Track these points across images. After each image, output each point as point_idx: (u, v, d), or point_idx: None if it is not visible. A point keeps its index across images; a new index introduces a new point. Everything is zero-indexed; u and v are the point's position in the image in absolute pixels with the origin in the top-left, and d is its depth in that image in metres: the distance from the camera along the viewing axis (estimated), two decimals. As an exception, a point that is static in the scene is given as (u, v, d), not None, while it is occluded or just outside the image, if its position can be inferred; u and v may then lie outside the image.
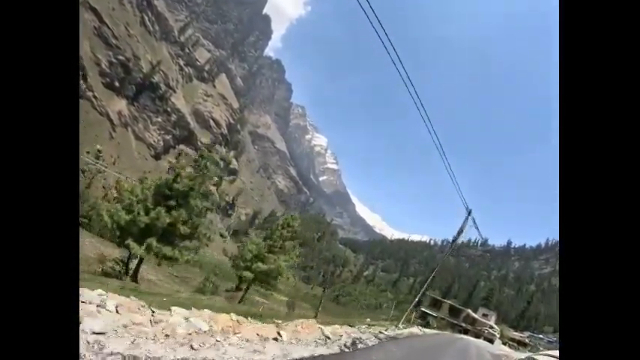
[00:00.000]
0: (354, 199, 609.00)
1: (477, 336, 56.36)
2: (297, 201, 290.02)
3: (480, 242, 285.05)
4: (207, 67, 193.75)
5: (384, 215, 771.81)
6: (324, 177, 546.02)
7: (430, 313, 60.80)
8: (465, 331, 57.73)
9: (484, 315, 71.87)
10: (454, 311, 64.73)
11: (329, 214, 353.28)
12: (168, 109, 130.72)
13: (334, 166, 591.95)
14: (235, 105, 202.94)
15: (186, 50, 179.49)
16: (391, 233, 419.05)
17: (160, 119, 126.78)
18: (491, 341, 54.23)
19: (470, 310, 65.70)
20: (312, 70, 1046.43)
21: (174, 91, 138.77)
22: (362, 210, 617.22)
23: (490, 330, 61.31)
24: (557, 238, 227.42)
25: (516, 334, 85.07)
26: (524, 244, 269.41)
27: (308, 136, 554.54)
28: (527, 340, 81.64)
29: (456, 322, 59.85)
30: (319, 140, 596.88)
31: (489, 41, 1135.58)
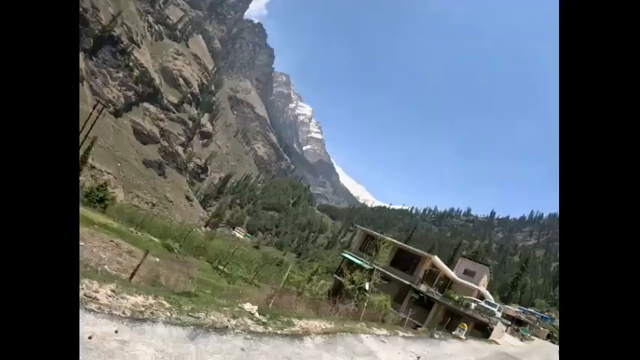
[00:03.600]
0: (339, 170, 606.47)
1: (452, 316, 29.66)
2: (277, 168, 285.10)
3: (462, 212, 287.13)
4: (179, 27, 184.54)
5: (370, 186, 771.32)
6: (308, 146, 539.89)
7: (359, 261, 30.07)
8: (427, 305, 30.91)
9: (467, 273, 41.96)
10: (406, 262, 32.80)
11: (312, 183, 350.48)
12: (131, 64, 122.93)
13: (318, 135, 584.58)
14: (210, 66, 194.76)
15: (157, 7, 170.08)
16: (373, 202, 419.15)
17: (120, 74, 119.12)
18: (486, 331, 29.08)
19: (438, 260, 33.36)
20: (299, 37, 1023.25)
21: (139, 46, 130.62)
22: (346, 180, 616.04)
23: (484, 304, 32.81)
24: (541, 210, 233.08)
25: (510, 309, 66.38)
26: (508, 216, 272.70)
27: (292, 105, 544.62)
28: (523, 317, 66.10)
29: (407, 282, 30.90)
30: (304, 109, 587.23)
31: (479, 12, 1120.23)
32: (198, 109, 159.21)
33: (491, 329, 28.96)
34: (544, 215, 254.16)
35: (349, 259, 32.81)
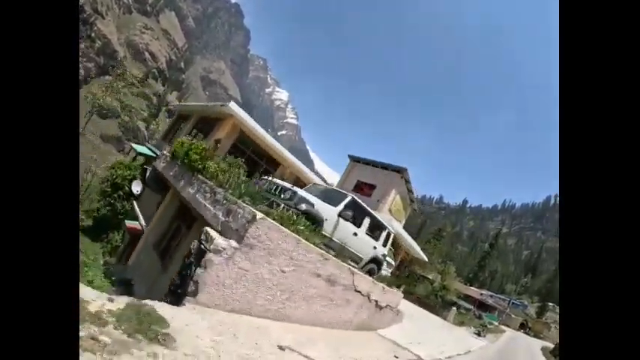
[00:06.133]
0: (314, 157, 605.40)
1: (187, 218, 11.08)
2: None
3: (434, 199, 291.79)
4: (150, 1, 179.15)
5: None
6: (283, 131, 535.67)
7: (146, 150, 21.69)
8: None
9: (360, 188, 26.94)
10: (204, 133, 19.00)
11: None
12: (93, 35, 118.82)
13: (294, 121, 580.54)
14: (181, 43, 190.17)
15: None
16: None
17: (82, 45, 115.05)
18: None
19: (242, 116, 16.77)
20: (278, 22, 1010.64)
21: (103, 17, 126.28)
22: (322, 168, 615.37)
23: (285, 184, 8.87)
24: (513, 199, 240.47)
25: (475, 290, 61.94)
26: (480, 205, 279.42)
27: (268, 90, 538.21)
28: (490, 301, 60.06)
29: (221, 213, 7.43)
30: (280, 95, 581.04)
31: (462, 2, 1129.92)
32: (165, 85, 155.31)
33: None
34: (516, 205, 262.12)
35: (139, 152, 21.95)
